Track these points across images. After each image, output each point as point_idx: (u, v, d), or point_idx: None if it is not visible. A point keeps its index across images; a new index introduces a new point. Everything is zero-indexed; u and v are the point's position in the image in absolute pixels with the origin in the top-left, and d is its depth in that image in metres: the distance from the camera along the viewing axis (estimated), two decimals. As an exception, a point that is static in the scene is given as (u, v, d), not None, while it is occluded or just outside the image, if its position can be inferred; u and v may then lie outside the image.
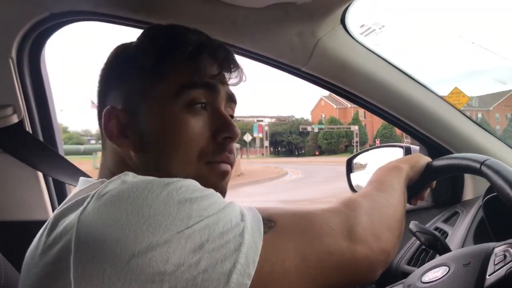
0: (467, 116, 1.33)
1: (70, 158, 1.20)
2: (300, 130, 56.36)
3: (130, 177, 0.57)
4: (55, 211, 0.57)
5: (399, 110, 1.28)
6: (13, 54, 1.06)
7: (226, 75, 0.73)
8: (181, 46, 0.70)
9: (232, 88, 0.75)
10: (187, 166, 0.67)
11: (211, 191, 0.57)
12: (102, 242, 0.48)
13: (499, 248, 0.73)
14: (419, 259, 1.18)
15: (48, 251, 0.52)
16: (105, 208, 0.51)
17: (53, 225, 0.55)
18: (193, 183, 0.57)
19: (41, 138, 1.18)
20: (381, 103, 1.27)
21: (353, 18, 1.12)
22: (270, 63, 1.17)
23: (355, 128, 52.66)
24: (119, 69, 0.72)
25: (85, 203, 0.53)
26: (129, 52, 0.72)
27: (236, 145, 0.77)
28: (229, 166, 0.71)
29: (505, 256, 0.70)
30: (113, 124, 0.69)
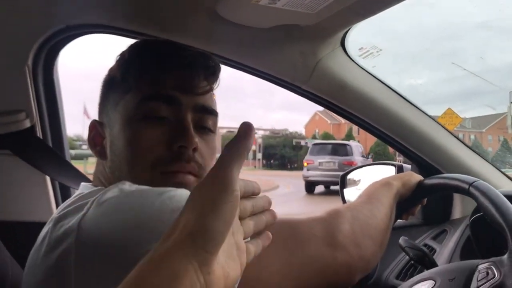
0: (458, 138, 1.37)
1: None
2: (294, 144, 56.20)
3: (126, 186, 0.59)
4: (54, 214, 0.60)
5: (393, 130, 1.32)
6: (29, 62, 1.09)
7: (194, 85, 0.72)
8: (142, 59, 0.73)
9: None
10: (141, 174, 0.68)
11: None
12: (103, 247, 0.51)
13: (482, 266, 0.78)
14: (407, 273, 1.22)
15: (50, 253, 0.55)
16: (105, 215, 0.54)
17: (53, 228, 0.57)
18: (185, 192, 0.58)
19: (50, 144, 1.21)
20: (376, 123, 1.31)
21: (352, 41, 1.18)
22: (273, 80, 1.22)
23: (348, 144, 52.47)
24: (104, 86, 0.77)
25: (85, 209, 0.56)
26: (111, 68, 0.77)
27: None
28: (188, 177, 0.70)
29: (487, 273, 0.74)
30: (93, 135, 0.75)
